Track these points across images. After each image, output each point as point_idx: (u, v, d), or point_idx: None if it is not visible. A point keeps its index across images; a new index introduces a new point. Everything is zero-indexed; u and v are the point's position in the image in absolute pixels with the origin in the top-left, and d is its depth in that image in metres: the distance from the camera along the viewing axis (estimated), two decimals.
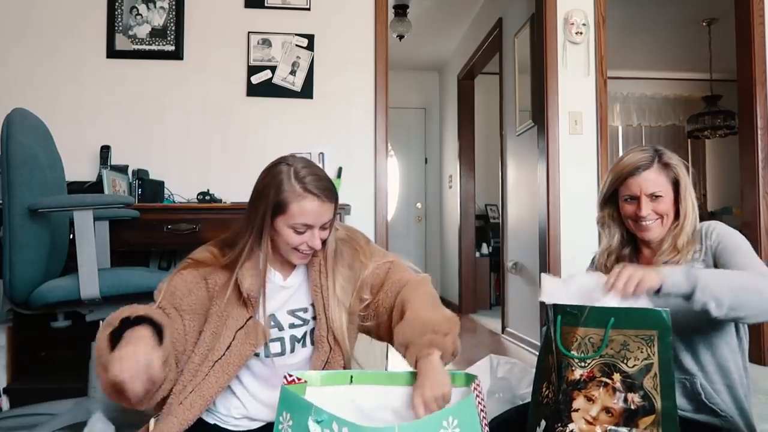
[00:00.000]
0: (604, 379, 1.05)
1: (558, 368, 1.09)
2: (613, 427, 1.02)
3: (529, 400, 1.30)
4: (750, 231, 3.17)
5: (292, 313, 1.28)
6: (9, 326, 2.31)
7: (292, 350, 1.26)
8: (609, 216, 1.44)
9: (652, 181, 1.31)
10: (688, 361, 1.26)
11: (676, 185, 1.33)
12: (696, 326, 1.23)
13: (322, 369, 1.23)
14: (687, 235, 1.31)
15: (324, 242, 1.27)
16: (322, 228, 1.24)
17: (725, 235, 1.30)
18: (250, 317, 1.22)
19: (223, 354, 1.19)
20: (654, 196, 1.31)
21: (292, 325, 1.27)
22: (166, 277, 1.28)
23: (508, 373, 1.90)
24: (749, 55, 3.20)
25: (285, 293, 1.29)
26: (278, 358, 1.25)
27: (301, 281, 1.31)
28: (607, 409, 1.03)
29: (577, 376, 1.06)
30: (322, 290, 1.27)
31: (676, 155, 1.37)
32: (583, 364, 1.06)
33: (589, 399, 1.05)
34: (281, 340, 1.26)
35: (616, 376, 1.04)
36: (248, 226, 1.26)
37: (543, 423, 1.09)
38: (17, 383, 2.30)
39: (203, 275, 1.25)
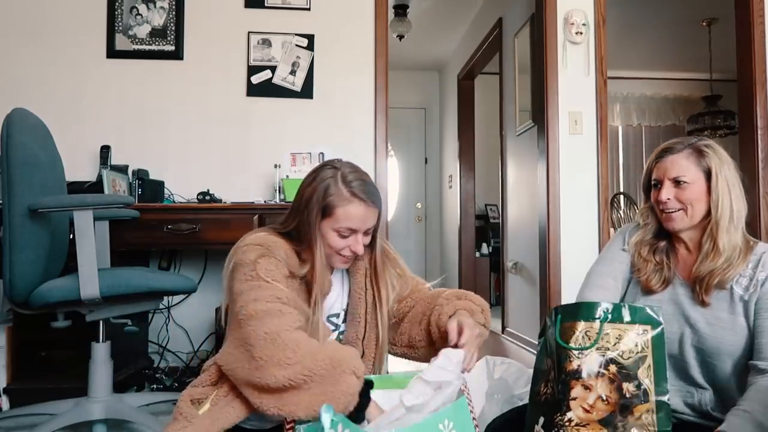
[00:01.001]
0: (600, 369, 1.07)
1: (557, 363, 1.11)
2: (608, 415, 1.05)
3: (527, 400, 1.31)
4: (750, 231, 3.16)
5: (328, 318, 1.30)
6: (9, 326, 2.30)
7: None
8: (647, 205, 1.35)
9: (676, 165, 1.24)
10: (700, 375, 1.22)
11: (708, 175, 1.23)
12: (719, 352, 1.19)
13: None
14: (730, 236, 1.23)
15: (370, 247, 1.30)
16: (366, 233, 1.25)
17: None
18: (311, 316, 1.22)
19: None
20: (677, 182, 1.23)
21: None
22: (263, 266, 1.15)
23: (505, 374, 1.91)
24: (749, 55, 3.20)
25: (327, 299, 1.29)
26: None
27: (338, 287, 1.33)
28: (603, 398, 1.05)
29: (575, 366, 1.08)
30: (366, 294, 1.29)
31: (722, 148, 1.27)
32: (580, 355, 1.08)
33: (586, 388, 1.07)
34: None
35: (612, 367, 1.07)
36: (303, 229, 1.24)
37: (541, 419, 1.10)
38: (17, 383, 2.30)
39: (287, 269, 1.20)
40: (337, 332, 1.30)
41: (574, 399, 1.06)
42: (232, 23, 2.96)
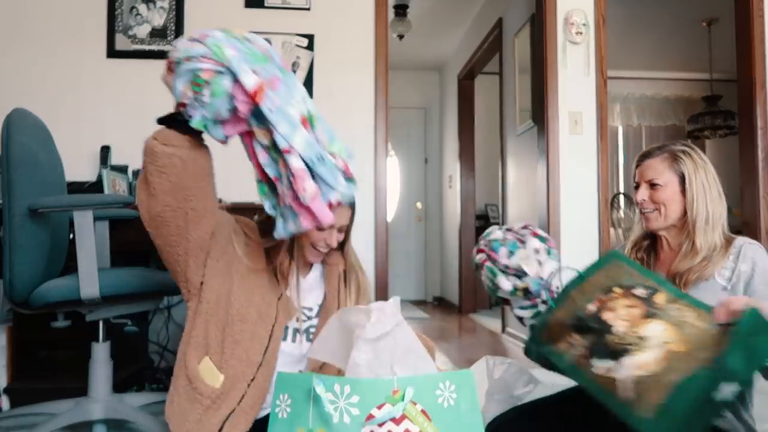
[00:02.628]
0: (609, 294, 1.14)
1: (575, 321, 1.14)
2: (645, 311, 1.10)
3: (526, 400, 1.31)
4: (750, 231, 3.17)
5: (302, 308, 1.37)
6: (9, 326, 2.31)
7: (293, 340, 1.33)
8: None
9: (651, 168, 1.34)
10: None
11: (682, 178, 1.31)
12: None
13: (319, 366, 1.30)
14: (707, 236, 1.27)
15: (342, 250, 1.42)
16: (339, 230, 1.36)
17: (761, 263, 1.23)
18: (282, 293, 1.32)
19: (275, 321, 1.27)
20: (652, 184, 1.33)
21: (298, 319, 1.36)
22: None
23: (505, 374, 1.92)
24: (749, 55, 3.20)
25: (301, 290, 1.38)
26: (283, 343, 1.30)
27: (313, 284, 1.42)
28: (628, 305, 1.10)
29: (594, 308, 1.13)
30: (339, 295, 1.39)
31: (699, 152, 1.34)
32: (590, 299, 1.15)
33: (611, 309, 1.11)
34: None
35: (616, 289, 1.15)
36: None
37: (597, 360, 1.08)
38: (17, 383, 2.30)
39: (244, 234, 1.34)
40: (308, 323, 1.36)
41: (611, 320, 1.09)
42: (232, 23, 2.93)
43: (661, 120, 6.65)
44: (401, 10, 4.87)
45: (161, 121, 1.15)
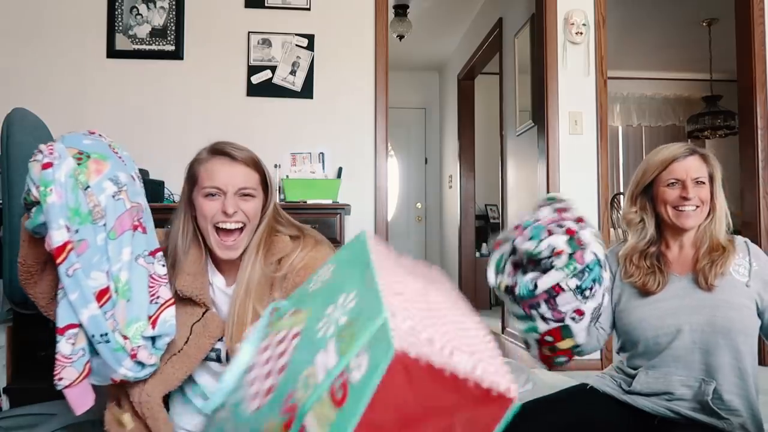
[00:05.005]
0: None
1: None
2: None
3: (525, 399, 1.30)
4: (750, 231, 3.17)
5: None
6: (9, 326, 2.30)
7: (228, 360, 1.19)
8: (642, 209, 1.40)
9: (694, 167, 1.34)
10: (706, 364, 1.24)
11: (711, 180, 1.35)
12: (728, 331, 1.24)
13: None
14: (722, 232, 1.34)
15: (253, 227, 1.18)
16: (243, 196, 1.16)
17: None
18: (207, 310, 1.18)
19: (181, 348, 1.15)
20: (697, 182, 1.33)
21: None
22: None
23: None
24: (749, 55, 3.20)
25: (228, 300, 1.21)
26: (217, 365, 1.20)
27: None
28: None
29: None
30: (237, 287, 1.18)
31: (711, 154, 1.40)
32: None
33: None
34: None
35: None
36: (178, 215, 1.22)
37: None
38: (17, 383, 2.29)
39: None
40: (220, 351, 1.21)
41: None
42: (232, 23, 2.96)
43: (660, 120, 6.65)
44: (401, 10, 4.87)
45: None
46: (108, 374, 1.05)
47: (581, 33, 3.12)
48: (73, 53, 2.86)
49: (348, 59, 3.01)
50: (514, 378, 1.82)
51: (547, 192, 3.10)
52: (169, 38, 2.90)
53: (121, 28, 2.88)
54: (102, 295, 1.01)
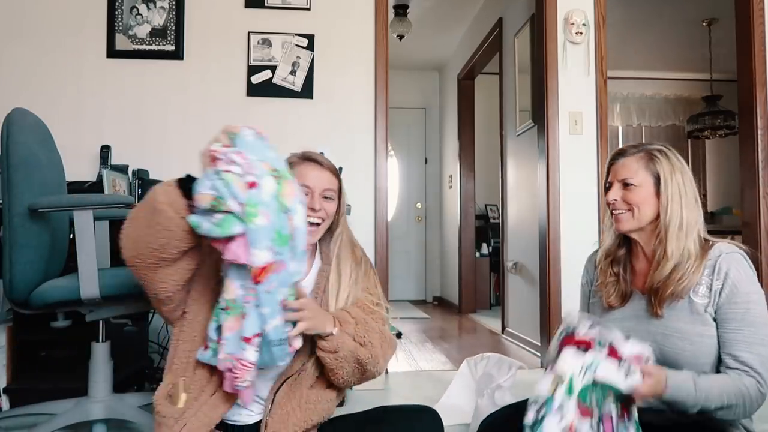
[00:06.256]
0: None
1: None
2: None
3: (509, 385, 1.28)
4: (750, 231, 3.17)
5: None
6: (9, 326, 2.30)
7: None
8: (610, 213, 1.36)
9: (626, 167, 1.27)
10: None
11: (657, 180, 1.25)
12: (675, 362, 1.18)
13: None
14: (679, 243, 1.21)
15: (333, 225, 1.36)
16: (325, 197, 1.32)
17: (738, 285, 1.17)
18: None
19: None
20: (625, 184, 1.26)
21: None
22: None
23: (486, 368, 2.02)
24: (749, 55, 3.20)
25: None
26: None
27: (309, 273, 1.35)
28: None
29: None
30: (327, 282, 1.33)
31: (677, 154, 1.29)
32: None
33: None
34: None
35: None
36: None
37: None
38: (17, 383, 2.29)
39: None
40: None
41: None
42: (232, 23, 2.96)
43: (661, 120, 6.65)
44: (401, 10, 4.87)
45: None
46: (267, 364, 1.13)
47: (581, 33, 3.12)
48: (73, 53, 2.86)
49: (348, 59, 3.01)
50: (496, 368, 1.84)
51: (547, 192, 3.10)
52: (169, 38, 2.90)
53: (121, 28, 2.88)
54: (282, 305, 1.09)
